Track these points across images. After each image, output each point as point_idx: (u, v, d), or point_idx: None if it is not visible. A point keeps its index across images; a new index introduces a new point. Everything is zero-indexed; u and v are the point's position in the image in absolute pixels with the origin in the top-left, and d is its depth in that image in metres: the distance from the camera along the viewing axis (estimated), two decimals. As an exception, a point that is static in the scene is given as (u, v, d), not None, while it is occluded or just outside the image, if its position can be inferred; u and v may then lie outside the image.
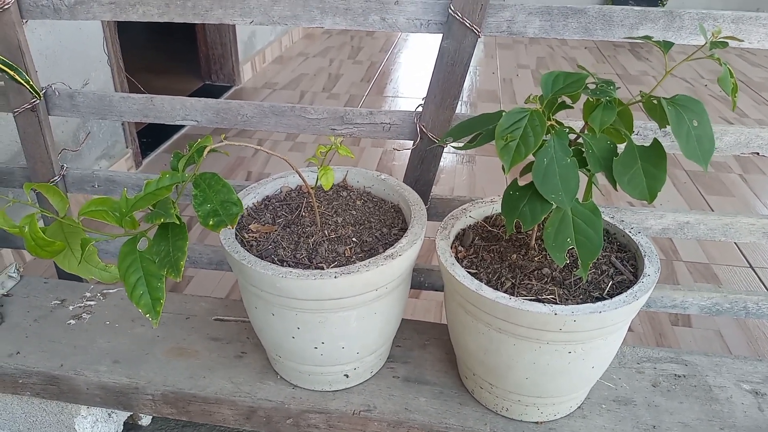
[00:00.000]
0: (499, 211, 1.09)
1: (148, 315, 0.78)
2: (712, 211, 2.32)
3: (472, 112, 3.45)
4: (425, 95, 1.17)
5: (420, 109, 1.18)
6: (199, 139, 0.88)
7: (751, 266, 2.00)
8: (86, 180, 1.38)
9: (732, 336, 1.67)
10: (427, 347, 1.15)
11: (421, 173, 1.24)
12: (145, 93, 1.29)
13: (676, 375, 1.08)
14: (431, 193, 1.27)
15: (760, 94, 3.65)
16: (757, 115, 3.31)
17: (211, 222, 0.77)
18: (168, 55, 4.08)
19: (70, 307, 1.26)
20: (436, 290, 1.34)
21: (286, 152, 2.84)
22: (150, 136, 2.84)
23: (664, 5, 5.34)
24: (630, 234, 0.99)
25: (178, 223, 0.78)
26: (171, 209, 0.78)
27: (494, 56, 4.39)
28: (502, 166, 0.78)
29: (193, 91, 3.56)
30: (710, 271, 1.97)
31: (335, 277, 0.86)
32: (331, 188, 1.13)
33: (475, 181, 2.56)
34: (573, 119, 1.07)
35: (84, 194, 1.40)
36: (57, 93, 1.27)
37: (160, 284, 0.79)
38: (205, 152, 0.84)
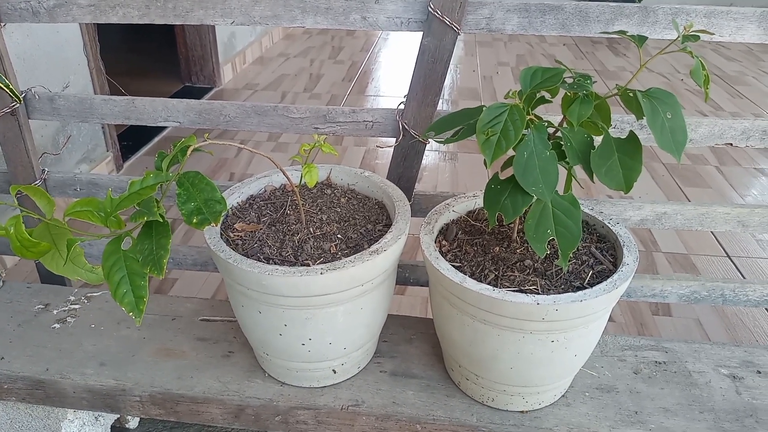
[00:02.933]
0: (482, 205, 1.10)
1: (131, 313, 0.79)
2: (689, 201, 2.37)
3: (453, 109, 3.48)
4: (407, 92, 1.18)
5: (402, 106, 1.19)
6: (183, 139, 0.89)
7: (728, 255, 2.04)
8: (68, 183, 1.37)
9: (711, 323, 1.71)
10: (414, 341, 1.17)
11: (404, 170, 1.25)
12: (126, 95, 1.29)
13: (656, 362, 1.11)
14: (414, 190, 1.29)
15: (734, 87, 3.72)
16: (732, 108, 3.38)
17: (195, 220, 0.77)
18: (147, 57, 4.05)
19: (55, 311, 1.25)
20: (421, 285, 1.36)
21: (268, 152, 2.83)
22: (131, 139, 2.82)
23: (639, 1, 5.42)
24: (609, 225, 1.01)
25: (161, 221, 0.79)
26: (154, 208, 0.78)
27: (474, 54, 4.42)
28: (484, 160, 0.80)
29: (174, 93, 3.54)
30: (689, 261, 2.01)
31: (321, 273, 0.87)
32: (315, 186, 1.14)
33: (457, 177, 2.58)
34: (552, 114, 1.10)
35: (65, 198, 1.39)
36: (37, 96, 1.27)
37: (143, 283, 0.79)
38: (189, 151, 0.84)
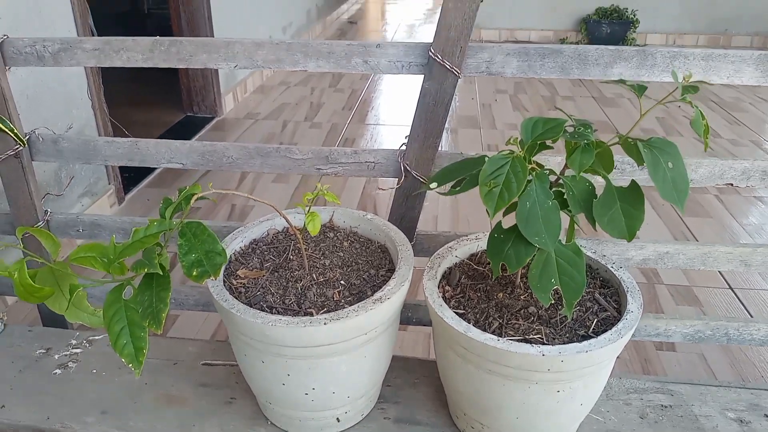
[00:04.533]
0: (484, 248, 1.10)
1: (131, 365, 0.79)
2: (691, 233, 2.38)
3: (453, 137, 3.51)
4: (408, 134, 1.19)
5: (404, 147, 1.20)
6: (188, 186, 0.89)
7: (730, 287, 2.04)
8: (71, 224, 1.37)
9: (716, 359, 1.69)
10: (418, 386, 1.16)
11: (406, 211, 1.25)
12: (129, 135, 1.29)
13: (662, 406, 1.10)
14: (417, 230, 1.29)
15: (731, 113, 3.75)
16: (729, 135, 3.40)
17: (195, 273, 0.77)
18: (149, 87, 4.08)
19: (56, 356, 1.24)
20: (424, 325, 1.35)
21: (269, 184, 2.85)
22: (132, 171, 2.83)
23: (632, 43, 5.48)
24: (612, 269, 1.01)
25: (161, 273, 0.78)
26: (155, 259, 0.79)
27: (473, 82, 4.46)
28: (487, 210, 0.80)
29: (175, 123, 3.56)
30: (691, 293, 2.01)
31: (325, 323, 0.87)
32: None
33: (458, 208, 2.59)
34: (552, 153, 1.10)
35: (68, 238, 1.39)
36: (41, 138, 1.27)
37: (143, 334, 0.79)
38: (193, 200, 0.84)
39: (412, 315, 1.34)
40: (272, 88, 4.30)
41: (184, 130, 3.44)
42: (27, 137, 1.26)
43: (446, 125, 3.67)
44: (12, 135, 1.16)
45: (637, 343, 1.74)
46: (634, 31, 5.46)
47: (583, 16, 5.64)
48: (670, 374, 1.62)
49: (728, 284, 2.04)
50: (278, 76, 4.59)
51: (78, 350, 1.26)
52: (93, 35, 2.31)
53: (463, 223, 2.47)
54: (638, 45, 5.40)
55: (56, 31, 2.12)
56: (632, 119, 3.69)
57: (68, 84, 2.20)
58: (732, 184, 1.17)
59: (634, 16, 5.43)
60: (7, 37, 1.18)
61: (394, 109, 3.90)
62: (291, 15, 4.99)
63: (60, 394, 1.14)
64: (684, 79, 0.81)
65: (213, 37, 3.45)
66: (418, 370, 1.20)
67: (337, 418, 1.01)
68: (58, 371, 1.20)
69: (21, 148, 1.24)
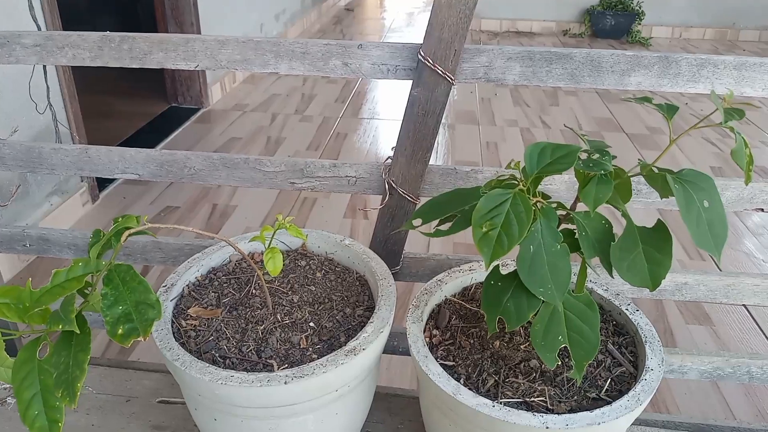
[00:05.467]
0: (479, 280, 0.96)
1: None
2: (709, 256, 2.21)
3: (450, 133, 3.34)
4: (394, 146, 1.04)
5: (389, 161, 1.05)
6: (119, 218, 0.74)
7: (743, 304, 1.90)
8: (16, 239, 1.22)
9: (730, 389, 1.56)
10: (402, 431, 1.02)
11: (392, 232, 1.10)
12: (77, 142, 1.14)
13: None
14: (404, 252, 1.14)
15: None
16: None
17: (120, 330, 0.63)
18: (131, 76, 3.89)
19: (-7, 389, 1.10)
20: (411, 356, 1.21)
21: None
22: (109, 166, 2.67)
23: (642, 39, 5.31)
24: (627, 312, 0.86)
25: (79, 332, 0.64)
26: (72, 312, 0.64)
27: (472, 74, 4.29)
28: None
29: (159, 113, 3.40)
30: (702, 310, 1.87)
31: (285, 382, 0.72)
32: (288, 256, 0.99)
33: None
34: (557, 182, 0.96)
35: (14, 254, 1.24)
36: (-23, 144, 1.12)
37: (59, 404, 0.65)
38: (124, 237, 0.70)
39: (399, 344, 1.20)
40: (262, 78, 4.13)
41: (167, 122, 3.27)
42: (-39, 142, 1.11)
43: (443, 120, 3.53)
44: (-63, 142, 1.01)
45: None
46: (640, 23, 5.29)
47: (587, 7, 5.47)
48: (682, 408, 1.49)
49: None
50: (270, 65, 4.42)
51: (19, 384, 1.11)
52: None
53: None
54: (643, 38, 5.23)
55: (20, 21, 1.95)
56: (639, 117, 3.54)
57: (34, 72, 2.03)
58: (763, 209, 1.03)
59: (640, 7, 5.26)
60: (-67, 28, 1.03)
61: (390, 102, 3.74)
62: (284, 1, 4.80)
63: (-7, 438, 1.00)
64: (724, 100, 0.67)
65: (198, 25, 3.27)
66: (403, 412, 1.06)
67: (304, 483, 0.87)
68: (-6, 409, 1.06)
69: (-46, 155, 1.09)
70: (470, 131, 3.29)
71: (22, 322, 0.70)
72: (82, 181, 2.35)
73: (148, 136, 3.06)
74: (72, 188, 2.30)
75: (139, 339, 0.62)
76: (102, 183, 2.54)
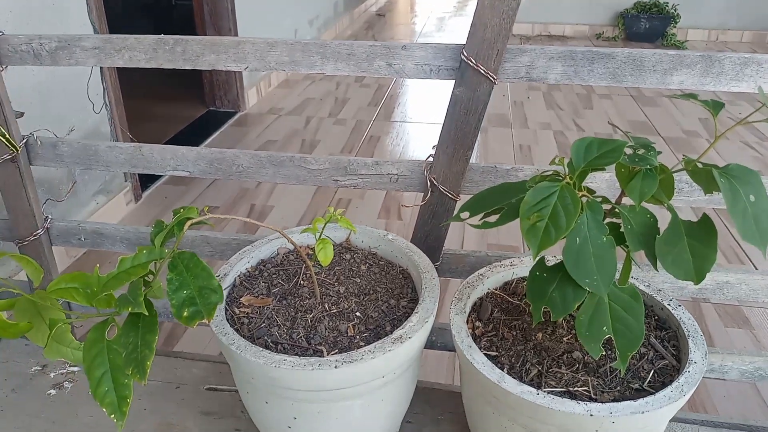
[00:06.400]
0: (520, 275, 0.98)
1: (113, 416, 0.68)
2: (746, 255, 2.18)
3: (482, 137, 3.36)
4: (436, 144, 1.07)
5: (431, 159, 1.08)
6: (182, 209, 0.79)
7: (784, 309, 1.87)
8: (72, 233, 1.28)
9: (770, 392, 1.54)
10: (441, 423, 1.04)
11: (432, 228, 1.13)
12: (134, 141, 1.20)
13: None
14: (443, 248, 1.17)
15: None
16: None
17: (185, 313, 0.67)
18: (171, 81, 4.01)
19: (52, 374, 1.16)
20: (449, 350, 1.23)
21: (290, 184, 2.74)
22: (151, 167, 2.75)
23: (677, 42, 5.24)
24: (669, 308, 0.87)
25: (147, 314, 0.68)
26: (140, 296, 0.68)
27: (504, 78, 4.29)
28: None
29: (197, 117, 3.48)
30: (741, 314, 1.85)
31: (336, 366, 0.76)
32: (334, 249, 1.03)
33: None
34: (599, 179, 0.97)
35: (69, 247, 1.30)
36: (39, 142, 1.19)
37: (127, 381, 0.69)
38: (186, 226, 0.74)
39: (437, 339, 1.23)
40: (297, 82, 4.20)
41: (206, 125, 3.36)
42: (24, 141, 1.17)
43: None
44: (5, 141, 1.07)
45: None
46: (675, 26, 5.22)
47: (620, 11, 5.41)
48: (721, 410, 1.48)
49: (781, 306, 1.88)
50: (303, 69, 4.49)
51: (75, 368, 1.17)
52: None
53: (492, 233, 2.33)
54: (678, 41, 5.16)
55: (70, 25, 2.04)
56: (673, 119, 3.50)
57: (82, 76, 2.12)
58: (806, 209, 1.02)
59: (675, 10, 5.19)
60: (2, 33, 1.09)
61: (422, 105, 3.77)
62: (318, 7, 4.88)
63: (53, 417, 1.06)
64: (771, 94, 0.68)
65: (236, 30, 3.35)
66: (443, 403, 1.08)
67: (350, 467, 0.90)
68: (52, 392, 1.11)
69: (15, 153, 1.16)
70: (503, 134, 3.30)
71: (89, 305, 0.75)
72: (126, 181, 2.44)
73: (188, 138, 3.14)
74: (116, 188, 2.38)
75: (203, 321, 0.66)
76: (144, 183, 2.62)
